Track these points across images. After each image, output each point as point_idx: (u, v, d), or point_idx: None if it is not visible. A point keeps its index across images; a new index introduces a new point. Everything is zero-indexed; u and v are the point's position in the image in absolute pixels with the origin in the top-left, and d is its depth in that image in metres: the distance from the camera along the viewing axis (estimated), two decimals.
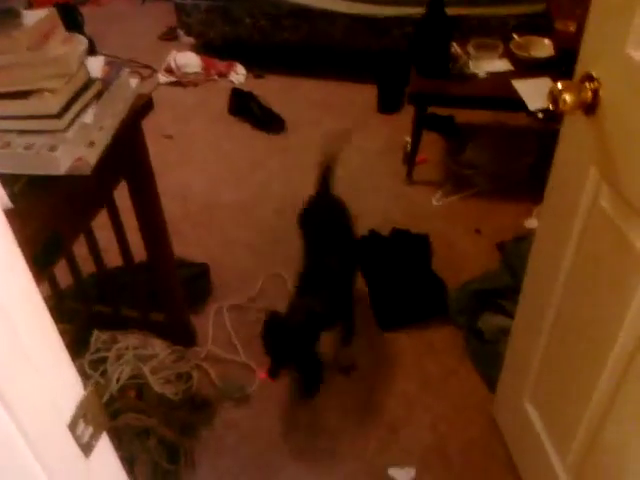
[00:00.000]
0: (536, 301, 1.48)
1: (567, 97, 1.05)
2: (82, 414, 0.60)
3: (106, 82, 1.44)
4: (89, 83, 1.37)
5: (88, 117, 1.35)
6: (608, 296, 1.15)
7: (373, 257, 2.48)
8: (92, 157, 1.36)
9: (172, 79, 3.83)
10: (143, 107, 1.59)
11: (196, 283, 2.41)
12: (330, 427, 1.92)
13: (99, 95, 1.41)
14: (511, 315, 1.73)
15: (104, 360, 1.97)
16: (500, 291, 2.13)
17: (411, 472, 1.77)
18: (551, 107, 1.07)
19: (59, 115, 1.28)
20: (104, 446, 0.66)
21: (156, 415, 1.93)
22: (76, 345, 2.02)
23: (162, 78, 3.85)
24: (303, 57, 3.82)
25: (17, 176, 1.30)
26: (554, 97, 1.06)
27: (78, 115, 1.33)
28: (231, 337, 2.23)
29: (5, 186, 1.24)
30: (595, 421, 1.26)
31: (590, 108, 1.09)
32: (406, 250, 2.48)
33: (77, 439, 0.61)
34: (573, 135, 1.22)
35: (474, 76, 2.64)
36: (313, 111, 3.44)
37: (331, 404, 1.98)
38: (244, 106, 3.40)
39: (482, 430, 1.87)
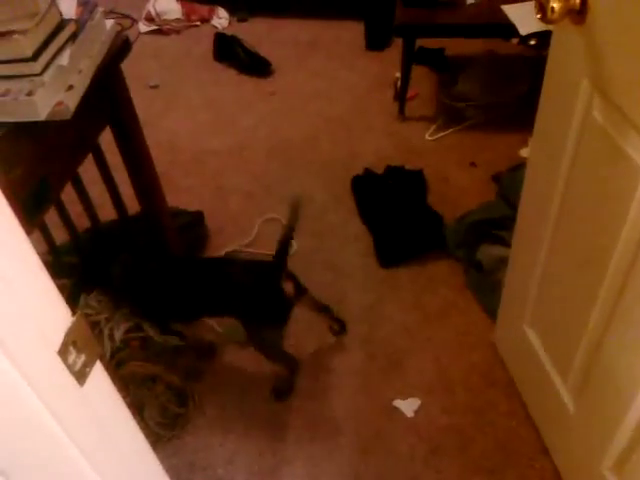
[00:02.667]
0: (532, 225, 1.47)
1: (555, 4, 1.01)
2: (72, 341, 0.59)
3: (80, 23, 1.39)
4: (62, 24, 1.32)
5: (64, 59, 1.30)
6: (604, 209, 1.13)
7: (369, 196, 2.47)
8: (72, 101, 1.32)
9: (153, 27, 3.72)
10: (121, 49, 1.54)
11: (192, 231, 2.40)
12: (333, 365, 1.94)
13: (74, 36, 1.36)
14: (509, 244, 1.72)
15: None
16: (497, 222, 2.12)
17: (416, 403, 1.79)
18: (539, 16, 1.03)
19: (34, 57, 1.23)
20: (98, 375, 0.66)
21: (161, 363, 1.95)
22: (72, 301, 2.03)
23: (143, 27, 3.74)
24: None
25: None
26: (542, 6, 1.02)
27: (54, 57, 1.29)
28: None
29: None
30: (595, 338, 1.26)
31: (579, 15, 1.05)
32: (401, 186, 2.47)
33: (69, 367, 0.60)
34: (563, 48, 1.18)
35: (462, 3, 2.56)
36: (300, 52, 3.36)
37: (332, 342, 2.00)
38: (229, 51, 3.31)
39: (483, 358, 1.89)
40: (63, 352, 0.59)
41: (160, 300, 1.83)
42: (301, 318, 1.92)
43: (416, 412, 1.77)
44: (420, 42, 2.78)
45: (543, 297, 1.51)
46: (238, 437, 1.80)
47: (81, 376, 0.62)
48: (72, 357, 0.60)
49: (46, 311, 0.57)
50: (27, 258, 0.55)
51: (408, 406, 1.79)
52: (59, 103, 1.30)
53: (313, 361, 1.96)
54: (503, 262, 1.84)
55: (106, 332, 1.97)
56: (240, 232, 2.41)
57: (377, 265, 2.23)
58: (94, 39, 1.44)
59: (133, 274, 1.84)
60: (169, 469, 1.71)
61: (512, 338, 1.75)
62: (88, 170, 1.77)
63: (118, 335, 1.97)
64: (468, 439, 1.71)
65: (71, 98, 1.32)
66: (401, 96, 2.84)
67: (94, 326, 1.98)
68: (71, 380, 0.60)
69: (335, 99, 3.03)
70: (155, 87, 3.25)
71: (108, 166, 1.81)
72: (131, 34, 3.64)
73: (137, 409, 1.85)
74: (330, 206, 2.48)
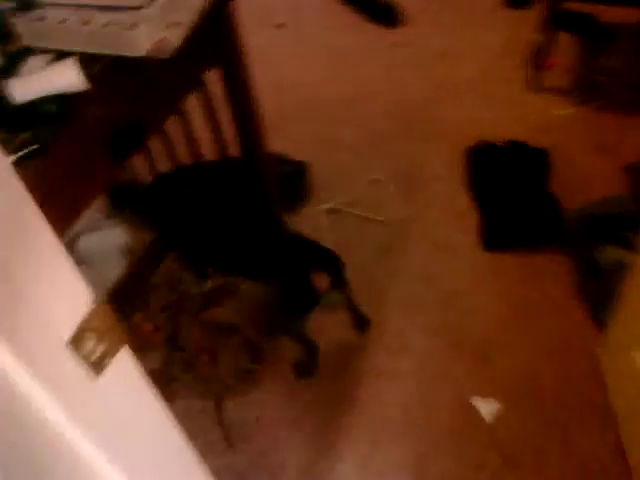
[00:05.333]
0: None
1: None
2: (90, 329, 0.53)
3: None
4: None
5: None
6: None
7: (485, 170, 2.28)
8: (176, 38, 1.26)
9: None
10: None
11: (294, 182, 2.33)
12: (417, 346, 1.83)
13: None
14: (634, 249, 1.50)
15: None
16: (624, 220, 1.88)
17: (495, 405, 1.65)
18: None
19: None
20: (122, 364, 0.59)
21: (245, 315, 1.93)
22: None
23: None
24: None
25: (98, 57, 1.23)
26: None
27: None
28: (323, 240, 2.14)
29: (85, 66, 1.18)
30: None
31: None
32: (521, 164, 2.25)
33: (84, 356, 0.53)
34: None
35: None
36: (435, 3, 3.12)
37: (419, 322, 1.88)
38: None
39: (582, 370, 1.70)
40: (76, 341, 0.52)
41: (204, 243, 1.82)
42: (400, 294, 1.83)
43: (494, 416, 1.64)
44: (567, 4, 2.47)
45: None
46: (304, 405, 1.75)
47: (98, 366, 0.56)
48: (88, 346, 0.54)
49: (57, 297, 0.50)
50: (40, 236, 0.48)
51: (486, 407, 1.65)
52: (161, 40, 1.23)
53: (393, 340, 1.86)
54: (623, 268, 1.62)
55: None
56: (343, 189, 2.31)
57: (480, 246, 2.06)
58: None
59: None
60: (234, 422, 1.74)
61: (620, 360, 1.55)
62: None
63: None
64: (547, 457, 1.55)
65: (175, 35, 1.26)
66: (536, 64, 2.56)
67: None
68: (83, 370, 0.53)
69: (462, 59, 2.80)
70: (280, 26, 3.16)
71: (213, 105, 1.75)
72: None
73: (211, 356, 1.86)
74: (439, 175, 2.32)
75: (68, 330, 0.50)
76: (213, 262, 1.93)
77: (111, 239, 2.11)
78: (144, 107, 1.29)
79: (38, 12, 1.26)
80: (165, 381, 1.83)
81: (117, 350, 0.58)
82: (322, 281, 1.61)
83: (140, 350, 1.87)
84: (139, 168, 2.12)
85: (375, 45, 2.97)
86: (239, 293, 1.98)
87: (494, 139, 2.33)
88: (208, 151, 1.99)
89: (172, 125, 1.83)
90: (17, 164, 1.07)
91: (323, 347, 1.80)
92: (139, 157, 2.07)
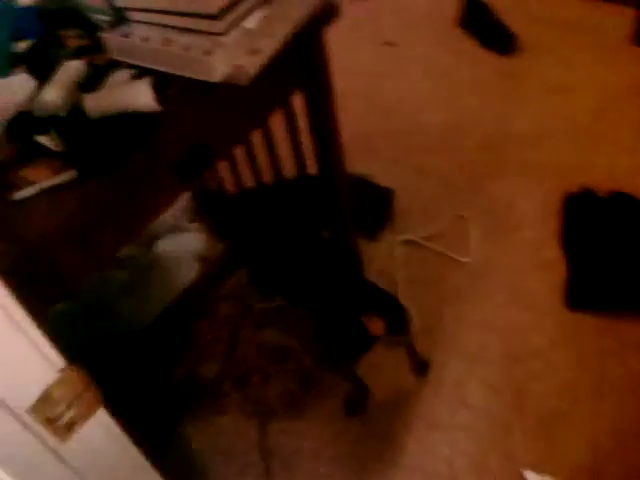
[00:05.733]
0: None
1: None
2: (56, 396, 0.51)
3: None
4: None
5: (251, 22, 1.22)
6: None
7: (582, 219, 2.11)
8: (253, 66, 1.24)
9: None
10: (324, 14, 1.41)
11: (376, 208, 2.28)
12: (475, 402, 1.72)
13: None
14: None
15: None
16: None
17: None
18: None
19: (218, 16, 1.16)
20: (94, 427, 0.57)
21: (301, 338, 1.90)
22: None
23: None
24: None
25: (175, 78, 1.24)
26: None
27: (241, 19, 1.21)
28: (396, 273, 2.08)
29: (161, 87, 1.19)
30: None
31: None
32: (624, 220, 2.06)
33: (48, 422, 0.52)
34: None
35: None
36: (554, 32, 2.94)
37: (481, 375, 1.77)
38: (476, 18, 3.02)
39: None
40: (38, 408, 0.50)
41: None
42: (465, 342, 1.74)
43: None
44: None
45: None
46: (350, 443, 1.70)
47: (65, 432, 0.54)
48: (55, 412, 0.52)
49: (21, 366, 0.48)
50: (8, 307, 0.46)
51: None
52: (239, 67, 1.22)
53: (450, 390, 1.76)
54: None
55: None
56: (425, 221, 2.22)
57: (562, 303, 1.92)
58: (296, 2, 1.33)
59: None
60: (275, 448, 1.72)
61: None
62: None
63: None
64: None
65: (253, 63, 1.24)
66: None
67: None
68: (41, 437, 0.52)
69: (577, 96, 2.61)
70: (389, 44, 3.10)
71: (296, 125, 1.73)
72: None
73: (263, 377, 1.84)
74: (530, 219, 2.18)
75: (32, 397, 0.49)
76: (275, 286, 1.92)
77: (188, 243, 2.15)
78: (214, 131, 1.29)
79: (125, 28, 1.30)
80: (216, 395, 1.84)
81: (89, 414, 0.56)
82: (380, 326, 1.55)
83: (198, 358, 1.91)
84: (226, 178, 2.16)
85: (484, 73, 2.85)
86: (302, 317, 1.95)
87: (598, 187, 2.16)
88: (289, 167, 1.97)
89: (256, 137, 1.83)
90: (79, 179, 1.09)
91: (377, 385, 1.75)
92: (225, 167, 2.11)
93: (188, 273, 2.10)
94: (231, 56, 1.21)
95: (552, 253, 2.05)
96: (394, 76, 2.91)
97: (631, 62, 2.73)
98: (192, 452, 1.74)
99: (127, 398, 1.75)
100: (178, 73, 1.23)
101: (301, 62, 1.47)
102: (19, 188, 1.06)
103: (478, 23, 3.01)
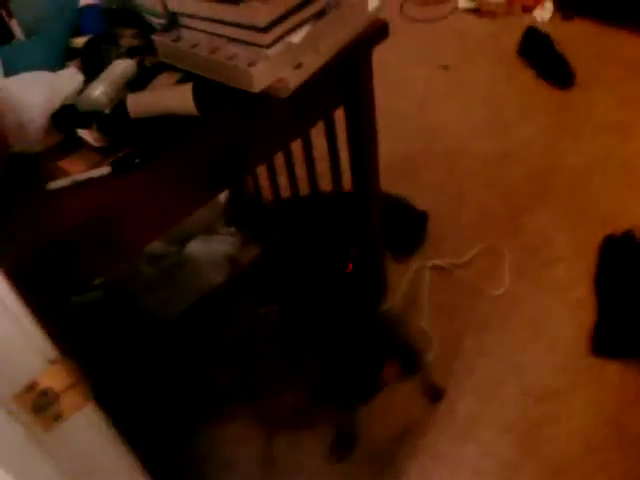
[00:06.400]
0: None
1: None
2: (43, 386, 0.53)
3: (333, 1, 1.30)
4: (309, 1, 1.25)
5: (296, 37, 1.24)
6: None
7: (618, 264, 2.06)
8: (295, 80, 1.26)
9: (472, 6, 3.51)
10: (375, 34, 1.42)
11: (409, 229, 2.27)
12: (484, 438, 1.70)
13: (319, 14, 1.28)
14: None
15: None
16: None
17: None
18: None
19: (265, 29, 1.18)
20: (82, 421, 0.59)
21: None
22: None
23: (462, 3, 3.55)
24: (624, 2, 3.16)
25: (218, 85, 1.27)
26: None
27: (287, 33, 1.23)
28: (422, 297, 2.06)
29: (202, 93, 1.22)
30: None
31: None
32: None
33: (34, 409, 0.54)
34: None
35: None
36: (615, 70, 2.88)
37: (494, 412, 1.74)
38: (535, 49, 2.98)
39: None
40: (24, 397, 0.53)
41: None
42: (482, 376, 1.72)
43: None
44: None
45: None
46: (353, 463, 1.70)
47: (50, 422, 0.56)
48: (41, 402, 0.54)
49: (10, 354, 0.51)
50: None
51: None
52: (280, 80, 1.25)
53: (460, 423, 1.73)
54: None
55: None
56: (457, 248, 2.20)
57: (587, 347, 1.87)
58: (346, 20, 1.35)
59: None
60: (278, 459, 1.72)
61: None
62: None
63: None
64: None
65: (294, 77, 1.26)
66: None
67: None
68: (26, 425, 0.54)
69: (631, 135, 2.55)
70: (445, 68, 3.09)
71: (336, 140, 1.75)
72: (447, 7, 3.50)
73: (276, 388, 1.86)
74: (566, 257, 2.13)
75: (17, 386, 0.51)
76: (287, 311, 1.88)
77: (220, 246, 2.19)
78: (250, 140, 1.31)
79: (176, 32, 1.34)
80: (229, 401, 1.86)
81: (77, 408, 0.58)
82: (394, 373, 1.53)
83: (214, 363, 1.93)
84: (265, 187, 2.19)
85: (539, 104, 2.81)
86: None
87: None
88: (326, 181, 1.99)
89: (297, 149, 1.86)
90: (113, 174, 1.13)
91: (386, 410, 1.73)
92: (264, 173, 2.13)
93: (216, 276, 2.14)
94: (274, 69, 1.24)
95: (584, 294, 2.00)
96: (445, 100, 2.90)
97: None
98: (197, 457, 1.76)
99: (141, 394, 1.79)
100: (222, 81, 1.26)
101: (345, 79, 1.49)
102: (55, 178, 1.10)
103: (538, 54, 2.97)
